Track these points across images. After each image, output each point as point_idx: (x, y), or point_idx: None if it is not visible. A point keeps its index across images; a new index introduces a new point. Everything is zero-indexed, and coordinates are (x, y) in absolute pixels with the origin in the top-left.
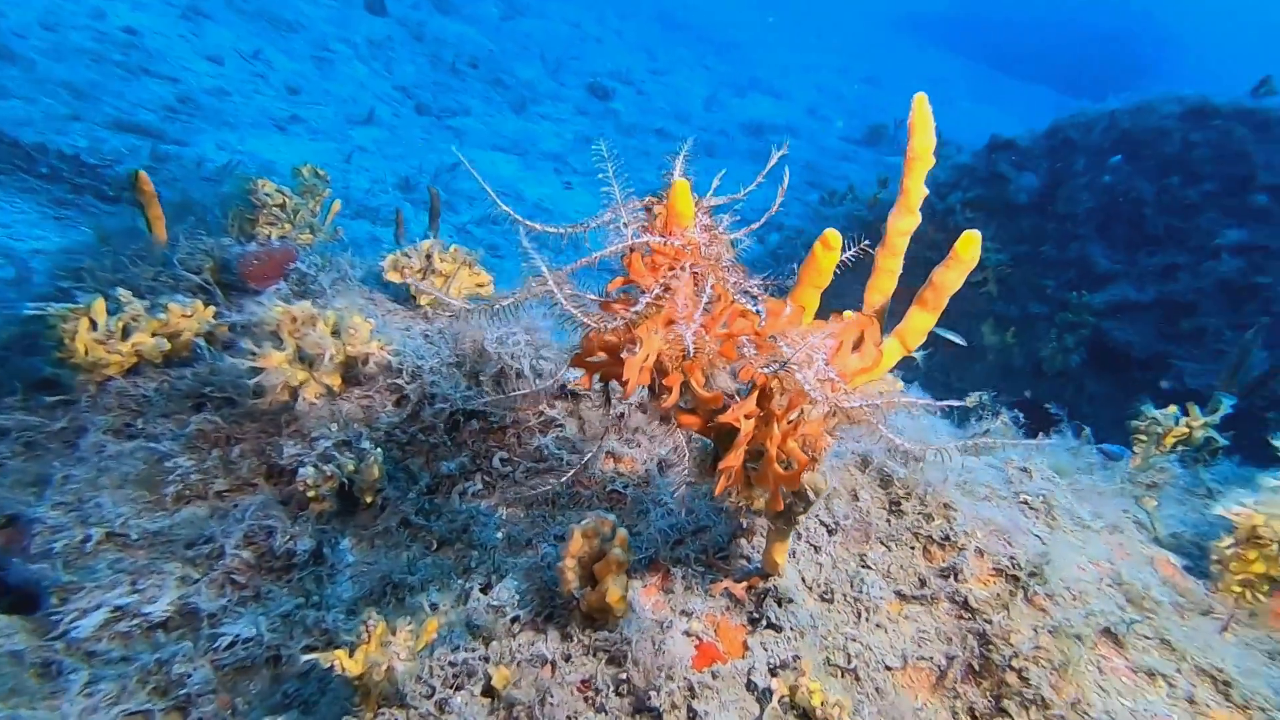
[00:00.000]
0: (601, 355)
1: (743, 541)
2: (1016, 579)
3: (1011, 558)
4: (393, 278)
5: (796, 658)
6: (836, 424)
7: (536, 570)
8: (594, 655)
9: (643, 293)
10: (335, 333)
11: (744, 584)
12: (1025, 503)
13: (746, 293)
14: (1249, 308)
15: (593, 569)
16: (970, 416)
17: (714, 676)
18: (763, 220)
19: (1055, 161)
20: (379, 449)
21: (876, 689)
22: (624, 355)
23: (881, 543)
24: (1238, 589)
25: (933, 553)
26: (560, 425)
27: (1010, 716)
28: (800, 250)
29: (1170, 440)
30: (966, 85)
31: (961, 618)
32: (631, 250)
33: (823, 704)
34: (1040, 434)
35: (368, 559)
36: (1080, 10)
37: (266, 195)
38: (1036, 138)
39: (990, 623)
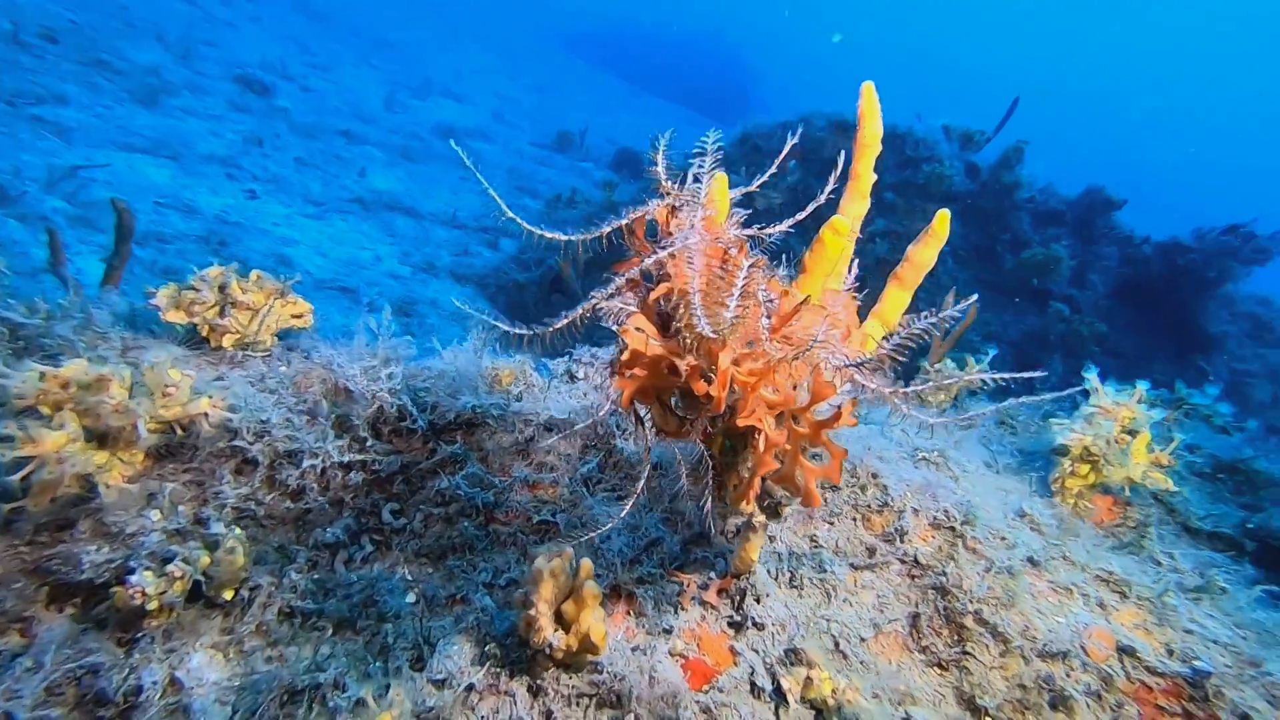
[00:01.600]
0: (636, 371)
1: (694, 549)
2: (953, 530)
3: (944, 511)
4: (175, 318)
5: (792, 651)
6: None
7: (476, 627)
8: (577, 704)
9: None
10: (139, 393)
11: (715, 589)
12: (925, 459)
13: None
14: None
15: (560, 609)
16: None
17: (720, 692)
18: (808, 210)
19: (750, 165)
20: (237, 529)
21: (862, 663)
22: (686, 364)
23: (825, 520)
24: (1073, 500)
25: (872, 521)
26: (461, 461)
27: (975, 657)
28: (546, 252)
29: (956, 388)
30: (621, 99)
31: (914, 575)
32: (680, 253)
33: (834, 691)
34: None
35: (240, 670)
36: (695, 41)
37: None
38: (733, 144)
39: (945, 575)
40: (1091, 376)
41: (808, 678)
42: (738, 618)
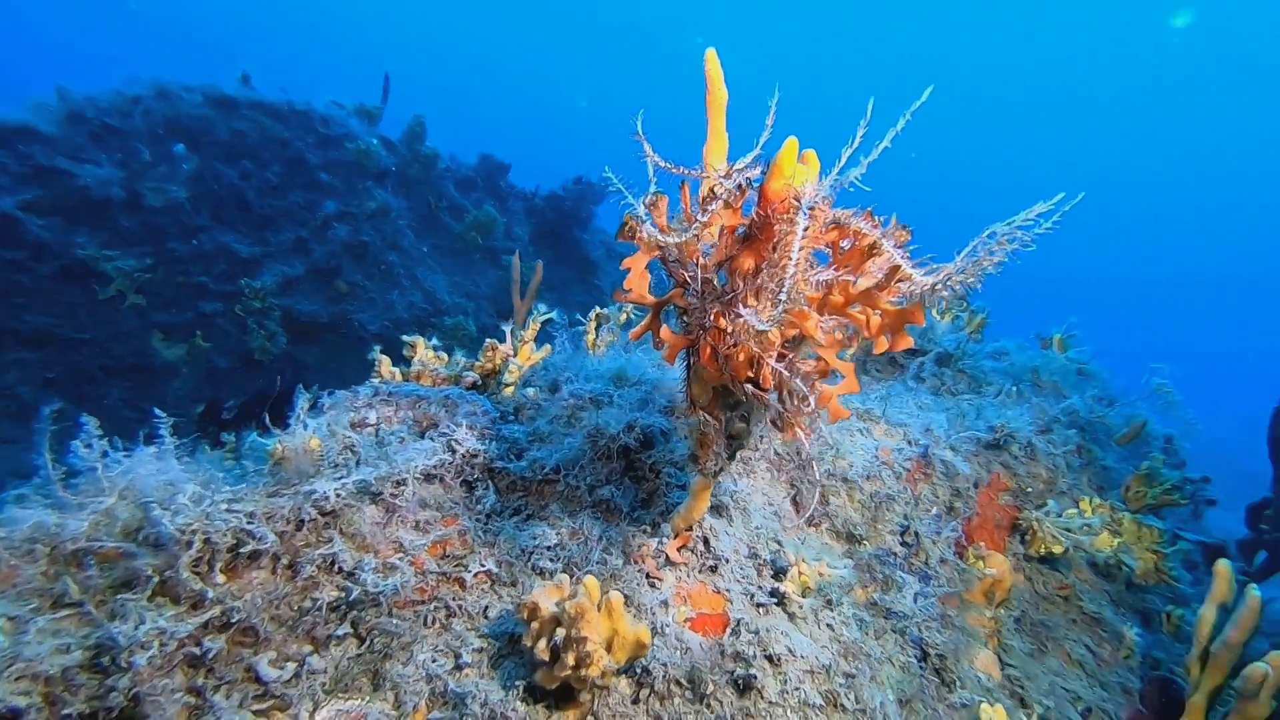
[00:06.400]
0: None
1: (632, 528)
2: None
3: None
4: None
5: (764, 565)
6: None
7: (480, 695)
8: (641, 704)
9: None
10: None
11: (675, 546)
12: None
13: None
14: (369, 260)
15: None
16: None
17: (743, 624)
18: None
19: (106, 150)
20: None
21: (796, 549)
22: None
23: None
24: None
25: None
26: (335, 562)
27: (835, 502)
28: None
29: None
30: None
31: (779, 468)
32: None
33: (815, 574)
34: None
35: None
36: None
37: None
38: (62, 123)
39: (799, 454)
40: None
41: (799, 573)
42: (710, 562)
